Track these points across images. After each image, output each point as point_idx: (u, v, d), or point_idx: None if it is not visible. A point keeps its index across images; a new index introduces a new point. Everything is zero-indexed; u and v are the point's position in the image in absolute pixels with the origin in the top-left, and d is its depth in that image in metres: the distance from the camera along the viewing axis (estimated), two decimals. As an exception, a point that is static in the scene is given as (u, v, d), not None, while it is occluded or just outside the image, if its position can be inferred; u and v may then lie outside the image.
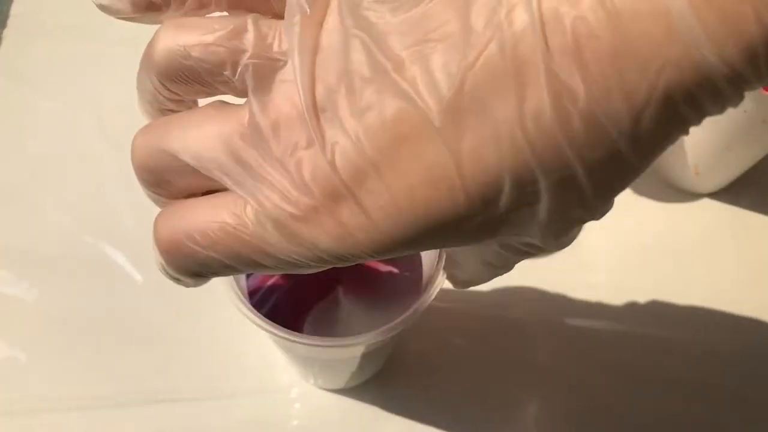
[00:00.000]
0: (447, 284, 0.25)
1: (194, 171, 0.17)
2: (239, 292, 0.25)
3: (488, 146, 0.14)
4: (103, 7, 0.19)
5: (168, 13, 0.18)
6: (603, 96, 0.13)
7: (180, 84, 0.17)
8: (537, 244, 0.17)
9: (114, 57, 0.42)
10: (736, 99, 0.13)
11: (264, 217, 0.16)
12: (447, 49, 0.14)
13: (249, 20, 0.17)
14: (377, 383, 0.35)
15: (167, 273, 0.19)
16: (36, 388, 0.34)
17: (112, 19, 0.19)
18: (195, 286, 0.19)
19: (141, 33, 0.18)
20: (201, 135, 0.17)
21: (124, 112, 0.44)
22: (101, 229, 0.38)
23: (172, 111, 0.19)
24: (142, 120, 0.19)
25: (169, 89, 0.18)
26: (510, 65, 0.14)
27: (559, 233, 0.16)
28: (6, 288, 0.36)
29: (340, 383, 0.34)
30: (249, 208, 0.16)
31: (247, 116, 0.16)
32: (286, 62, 0.16)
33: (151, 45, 0.17)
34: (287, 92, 0.16)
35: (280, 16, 0.17)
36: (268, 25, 0.17)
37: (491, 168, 0.14)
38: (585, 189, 0.15)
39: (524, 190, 0.15)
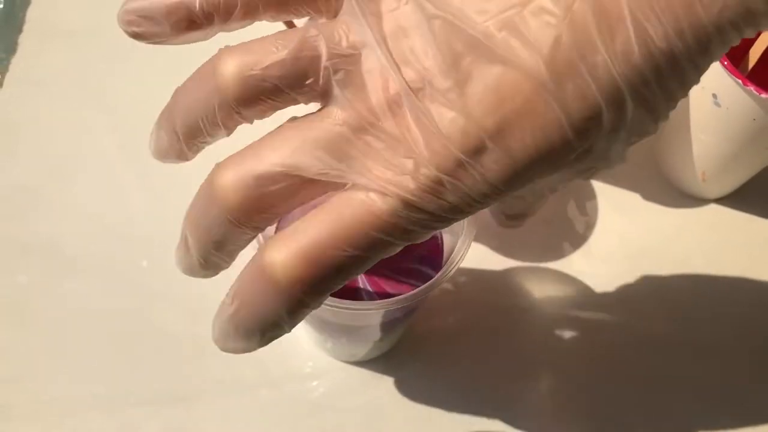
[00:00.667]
0: (465, 264, 0.26)
1: (300, 183, 0.17)
2: None
3: (588, 87, 0.16)
4: (136, 35, 0.19)
5: (209, 30, 0.19)
6: (677, 35, 0.16)
7: (255, 106, 0.18)
8: (602, 163, 0.19)
9: (129, 60, 0.42)
10: None
11: (391, 199, 0.17)
12: (535, 12, 0.16)
13: (310, 27, 0.17)
14: (393, 357, 0.36)
15: (298, 309, 0.18)
16: (58, 389, 0.35)
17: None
18: (292, 326, 0.18)
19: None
20: (296, 147, 0.17)
21: (139, 114, 0.44)
22: (118, 230, 0.38)
23: (205, 143, 0.19)
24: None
25: (241, 114, 0.18)
26: (598, 16, 0.16)
27: (626, 149, 0.18)
28: (25, 289, 0.37)
29: (361, 354, 0.35)
30: (373, 194, 0.17)
31: (339, 115, 0.17)
32: (360, 54, 0.17)
33: (218, 75, 0.17)
34: (375, 81, 0.17)
35: (323, 13, 0.18)
36: (327, 25, 0.17)
37: (593, 103, 0.16)
38: (660, 107, 0.17)
39: (618, 115, 0.17)
